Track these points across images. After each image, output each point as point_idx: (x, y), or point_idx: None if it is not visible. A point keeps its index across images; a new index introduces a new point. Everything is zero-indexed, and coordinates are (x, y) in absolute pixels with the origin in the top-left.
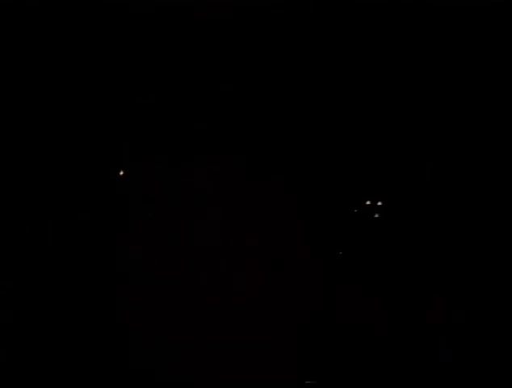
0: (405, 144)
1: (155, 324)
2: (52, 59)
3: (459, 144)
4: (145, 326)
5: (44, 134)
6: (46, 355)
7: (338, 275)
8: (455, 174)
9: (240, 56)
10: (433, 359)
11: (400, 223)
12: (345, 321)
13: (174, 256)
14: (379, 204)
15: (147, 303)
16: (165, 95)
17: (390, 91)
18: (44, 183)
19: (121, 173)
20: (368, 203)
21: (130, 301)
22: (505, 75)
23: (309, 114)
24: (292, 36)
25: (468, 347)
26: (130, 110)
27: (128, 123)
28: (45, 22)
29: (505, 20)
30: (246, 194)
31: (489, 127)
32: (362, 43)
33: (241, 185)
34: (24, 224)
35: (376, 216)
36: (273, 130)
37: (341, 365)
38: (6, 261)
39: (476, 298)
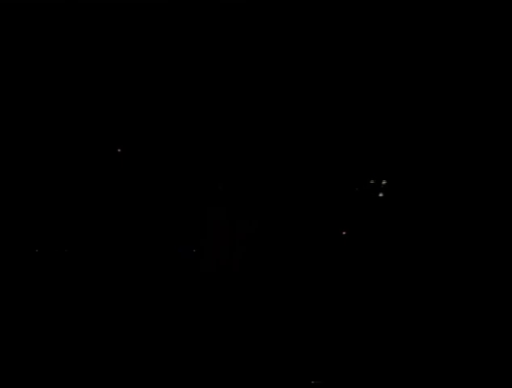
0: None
1: None
2: (53, 58)
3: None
4: None
5: (43, 134)
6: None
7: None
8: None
9: (240, 56)
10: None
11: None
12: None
13: None
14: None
15: None
16: (165, 95)
17: (388, 90)
18: (44, 182)
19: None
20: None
21: None
22: (505, 75)
23: (309, 114)
24: (292, 36)
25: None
26: (130, 110)
27: (128, 122)
28: (45, 22)
29: (505, 18)
30: None
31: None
32: (361, 42)
33: None
34: (24, 223)
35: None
36: (273, 130)
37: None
38: (6, 261)
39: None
